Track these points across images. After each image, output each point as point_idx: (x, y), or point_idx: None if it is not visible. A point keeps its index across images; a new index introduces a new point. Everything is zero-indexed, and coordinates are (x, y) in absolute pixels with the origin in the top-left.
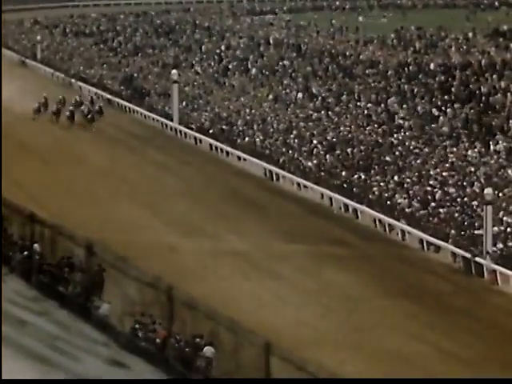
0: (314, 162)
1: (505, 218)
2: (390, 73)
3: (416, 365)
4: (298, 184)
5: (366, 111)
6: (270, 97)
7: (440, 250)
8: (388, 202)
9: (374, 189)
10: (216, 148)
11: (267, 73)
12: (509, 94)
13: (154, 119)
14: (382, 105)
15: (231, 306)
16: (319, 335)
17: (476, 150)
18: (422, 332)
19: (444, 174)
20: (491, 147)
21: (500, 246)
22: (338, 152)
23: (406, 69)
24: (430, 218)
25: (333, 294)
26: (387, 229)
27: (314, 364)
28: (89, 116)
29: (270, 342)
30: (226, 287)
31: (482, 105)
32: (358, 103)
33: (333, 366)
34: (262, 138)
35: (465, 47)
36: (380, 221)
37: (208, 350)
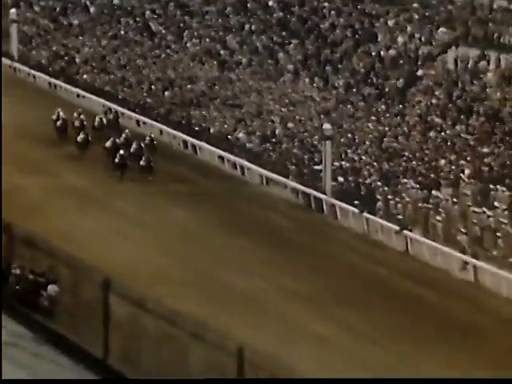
0: (153, 98)
1: (345, 153)
2: (228, 10)
3: (256, 302)
4: (138, 121)
5: (204, 48)
6: (109, 34)
7: (284, 186)
8: (228, 138)
9: (214, 124)
10: (55, 85)
11: (106, 11)
12: (349, 29)
13: None
14: (221, 41)
15: (71, 242)
16: (159, 272)
17: (315, 85)
18: (262, 268)
19: (283, 109)
20: (330, 82)
21: (341, 179)
22: (176, 88)
23: (244, 6)
24: (270, 154)
25: (172, 230)
26: (227, 165)
27: (154, 301)
28: (142, 162)
29: (108, 279)
30: (65, 223)
31: (320, 40)
32: (197, 40)
33: (173, 303)
34: (101, 75)
35: None
36: (219, 157)
37: (52, 289)
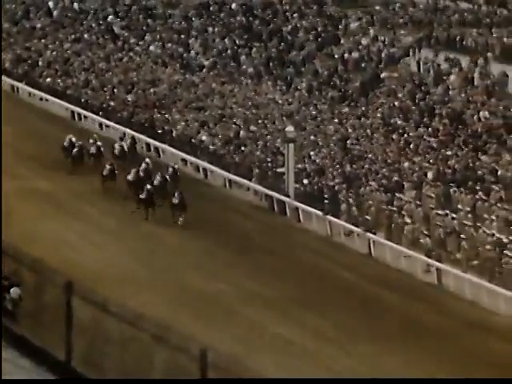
0: (116, 101)
1: (308, 156)
2: (191, 13)
3: (219, 305)
4: (101, 124)
5: (167, 51)
6: (72, 38)
7: (247, 188)
8: (191, 141)
9: (177, 127)
10: (17, 89)
11: (69, 14)
12: (312, 33)
13: None
14: (184, 44)
15: (35, 245)
16: (123, 275)
17: (278, 87)
18: (225, 271)
19: (246, 112)
20: (293, 85)
21: (304, 182)
22: (139, 91)
23: (207, 9)
24: (234, 156)
25: (136, 234)
26: (190, 167)
27: (117, 304)
28: (175, 200)
29: (71, 282)
30: (30, 227)
31: (283, 43)
32: (160, 43)
33: (137, 306)
34: (64, 78)
35: None
36: (182, 159)
37: (14, 292)
